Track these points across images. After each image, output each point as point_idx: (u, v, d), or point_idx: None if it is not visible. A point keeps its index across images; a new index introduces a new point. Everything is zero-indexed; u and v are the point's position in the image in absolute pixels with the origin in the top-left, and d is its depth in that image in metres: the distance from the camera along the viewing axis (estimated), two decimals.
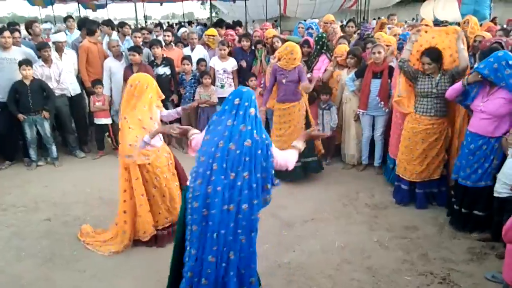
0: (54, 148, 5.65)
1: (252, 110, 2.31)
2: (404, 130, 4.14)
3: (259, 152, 2.29)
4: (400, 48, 5.05)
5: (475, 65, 3.68)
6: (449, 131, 4.01)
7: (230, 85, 5.96)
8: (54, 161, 5.69)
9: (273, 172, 2.38)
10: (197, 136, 2.67)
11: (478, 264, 3.26)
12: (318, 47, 5.52)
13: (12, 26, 6.65)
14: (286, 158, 2.49)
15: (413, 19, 20.11)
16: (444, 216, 3.97)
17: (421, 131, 3.96)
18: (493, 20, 9.08)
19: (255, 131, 2.29)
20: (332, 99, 5.25)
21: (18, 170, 5.57)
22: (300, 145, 2.63)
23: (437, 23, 9.49)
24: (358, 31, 6.97)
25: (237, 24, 8.50)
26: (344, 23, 16.22)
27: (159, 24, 10.00)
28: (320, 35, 5.62)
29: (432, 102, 3.90)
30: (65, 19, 7.80)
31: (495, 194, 3.18)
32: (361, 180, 4.91)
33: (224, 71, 5.92)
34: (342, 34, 6.24)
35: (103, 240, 3.69)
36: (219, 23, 9.24)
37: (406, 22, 16.49)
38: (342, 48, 5.27)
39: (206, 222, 2.29)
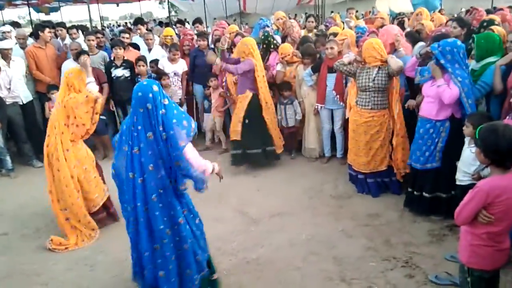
0: (8, 159, 5.40)
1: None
2: (349, 122, 4.34)
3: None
4: (357, 41, 5.15)
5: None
6: (390, 123, 4.14)
7: (180, 87, 5.92)
8: (10, 173, 5.44)
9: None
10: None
11: (438, 245, 3.39)
12: (265, 46, 5.57)
13: None
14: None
15: (370, 12, 20.60)
16: (403, 202, 4.11)
17: (362, 123, 4.15)
18: (440, 11, 9.42)
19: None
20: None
21: None
22: None
23: (393, 15, 9.78)
24: (320, 26, 7.04)
25: (197, 21, 8.39)
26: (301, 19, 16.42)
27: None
28: (265, 34, 5.63)
29: (370, 95, 4.08)
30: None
31: (457, 182, 3.26)
32: (325, 172, 4.99)
33: (174, 73, 5.86)
34: (301, 29, 6.30)
35: (74, 243, 3.71)
36: (181, 21, 9.11)
37: (362, 15, 16.89)
38: (287, 47, 5.37)
39: None
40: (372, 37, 4.74)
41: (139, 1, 19.64)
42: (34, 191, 4.87)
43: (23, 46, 5.97)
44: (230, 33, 6.05)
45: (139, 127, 2.37)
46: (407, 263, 3.19)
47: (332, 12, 18.60)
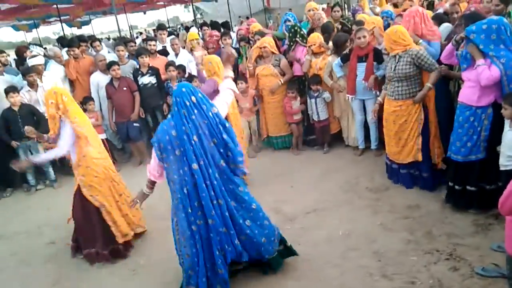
0: (51, 170, 5.65)
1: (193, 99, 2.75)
2: (383, 112, 4.21)
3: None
4: (386, 26, 4.99)
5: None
6: (421, 114, 3.90)
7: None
8: (53, 183, 5.69)
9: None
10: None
11: (484, 236, 3.23)
12: (291, 35, 5.49)
13: None
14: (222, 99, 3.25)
15: None
16: (445, 192, 3.94)
17: (391, 112, 4.02)
18: None
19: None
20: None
21: (17, 197, 5.58)
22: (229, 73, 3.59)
23: None
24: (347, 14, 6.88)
25: (204, 24, 8.44)
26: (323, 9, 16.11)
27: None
28: (292, 25, 5.56)
29: (393, 85, 3.94)
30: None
31: (502, 168, 3.07)
32: (360, 165, 4.88)
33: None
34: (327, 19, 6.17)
35: None
36: (206, 24, 9.18)
37: None
38: (315, 36, 5.23)
39: None
40: (398, 22, 4.61)
41: (165, 6, 19.96)
42: None
43: (58, 62, 6.19)
44: (252, 33, 6.05)
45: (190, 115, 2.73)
46: (451, 255, 3.06)
47: (358, 1, 18.18)
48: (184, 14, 43.53)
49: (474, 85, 3.27)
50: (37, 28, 17.61)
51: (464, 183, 3.52)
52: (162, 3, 17.55)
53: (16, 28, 16.92)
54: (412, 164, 4.06)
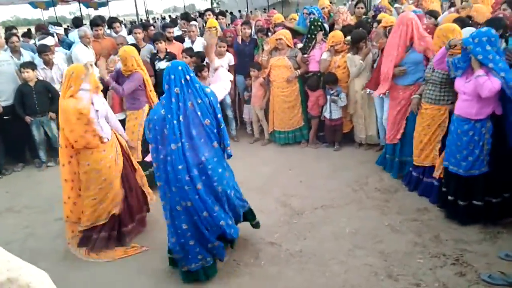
0: None
1: (187, 77, 2.77)
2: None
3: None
4: None
5: None
6: (445, 122, 3.75)
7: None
8: None
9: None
10: None
11: (491, 243, 3.22)
12: (312, 28, 5.43)
13: (9, 30, 6.70)
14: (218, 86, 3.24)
15: None
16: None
17: (420, 113, 3.95)
18: None
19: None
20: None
21: (29, 172, 5.65)
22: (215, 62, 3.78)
23: None
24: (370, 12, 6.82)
25: (209, 10, 8.33)
26: (347, 4, 15.95)
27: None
28: (313, 19, 5.51)
29: (428, 87, 3.84)
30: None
31: None
32: (370, 165, 4.86)
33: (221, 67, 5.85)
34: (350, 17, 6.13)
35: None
36: (222, 13, 9.11)
37: None
38: (339, 34, 5.16)
39: None
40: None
41: None
42: None
43: (86, 44, 5.97)
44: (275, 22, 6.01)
45: (182, 94, 2.75)
46: (457, 260, 3.06)
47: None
48: (200, 2, 43.47)
49: (471, 98, 3.22)
50: (55, 6, 17.63)
51: (469, 197, 3.43)
52: None
53: (34, 5, 16.98)
54: (424, 168, 4.01)
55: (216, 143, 2.91)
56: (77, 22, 7.81)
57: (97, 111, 3.39)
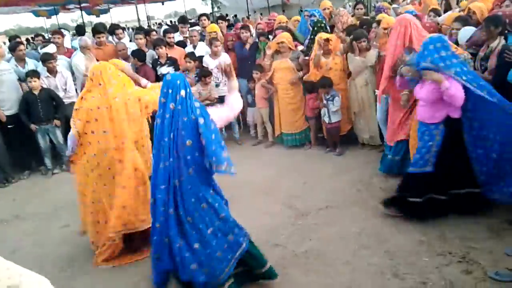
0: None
1: (182, 92, 2.61)
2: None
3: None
4: None
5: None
6: None
7: (225, 83, 5.90)
8: (69, 168, 5.78)
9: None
10: None
11: (498, 240, 3.20)
12: (316, 29, 5.45)
13: (14, 39, 6.78)
14: (218, 112, 2.83)
15: None
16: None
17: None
18: None
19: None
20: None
21: (35, 180, 5.70)
22: (232, 84, 3.02)
23: None
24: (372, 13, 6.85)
25: (203, 15, 8.37)
26: (348, 6, 15.99)
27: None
28: (316, 20, 5.54)
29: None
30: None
31: None
32: (374, 165, 4.83)
33: (217, 68, 5.89)
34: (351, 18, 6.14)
35: None
36: (222, 17, 9.13)
37: None
38: (324, 36, 5.16)
39: None
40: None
41: None
42: None
43: (85, 54, 5.99)
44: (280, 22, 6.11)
45: (176, 110, 2.60)
46: (463, 258, 3.05)
47: (378, 1, 17.98)
48: (201, 6, 43.62)
49: (425, 104, 3.37)
50: (57, 14, 17.79)
51: (416, 194, 3.52)
52: None
53: (36, 13, 17.15)
54: None
55: (192, 170, 2.63)
56: (80, 30, 7.90)
57: None
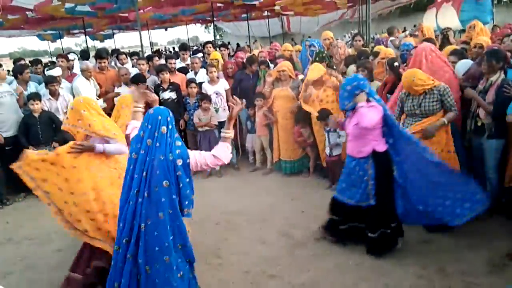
0: None
1: (163, 129, 2.49)
2: None
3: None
4: (404, 60, 5.04)
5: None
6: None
7: (224, 109, 5.98)
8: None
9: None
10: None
11: (499, 276, 3.15)
12: (317, 59, 5.50)
13: (17, 62, 6.88)
14: (204, 156, 2.64)
15: (414, 25, 20.20)
16: (460, 227, 3.87)
17: None
18: (493, 28, 9.02)
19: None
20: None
21: (30, 203, 5.62)
22: (228, 134, 2.78)
23: (439, 31, 9.49)
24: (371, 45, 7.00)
25: (208, 41, 8.57)
26: (348, 37, 16.33)
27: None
28: (318, 50, 5.64)
29: (416, 121, 3.83)
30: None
31: None
32: None
33: (216, 94, 5.96)
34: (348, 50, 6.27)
35: None
36: (224, 45, 9.33)
37: (404, 29, 16.54)
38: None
39: None
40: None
41: (186, 24, 20.44)
42: None
43: (87, 77, 6.08)
44: (285, 51, 6.35)
45: (153, 147, 2.49)
46: None
47: (376, 33, 18.38)
48: (204, 34, 44.51)
49: (353, 139, 3.49)
50: (61, 38, 18.11)
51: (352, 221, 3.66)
52: (184, 21, 17.98)
53: (41, 37, 17.45)
54: None
55: (163, 214, 2.47)
56: (84, 55, 8.04)
57: None
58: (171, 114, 2.59)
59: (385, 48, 5.66)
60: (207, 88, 5.99)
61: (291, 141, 5.54)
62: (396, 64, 4.74)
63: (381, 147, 3.42)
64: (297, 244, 3.92)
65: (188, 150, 2.61)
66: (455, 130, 3.91)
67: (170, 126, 2.51)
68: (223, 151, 2.68)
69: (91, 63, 7.00)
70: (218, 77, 6.04)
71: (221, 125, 5.94)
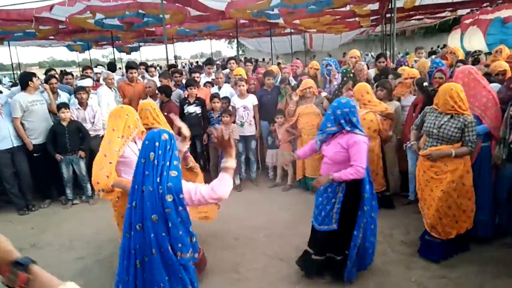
0: (89, 186, 5.84)
1: (151, 155, 2.20)
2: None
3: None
4: (430, 75, 5.03)
5: None
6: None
7: (250, 123, 6.03)
8: (89, 199, 5.87)
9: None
10: None
11: None
12: (345, 79, 5.57)
13: (49, 72, 7.14)
14: (201, 190, 2.26)
15: (438, 46, 20.07)
16: (485, 253, 3.78)
17: (423, 172, 3.82)
18: None
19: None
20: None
21: (55, 209, 5.77)
22: (229, 163, 2.36)
23: (465, 52, 9.41)
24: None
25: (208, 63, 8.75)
26: (370, 56, 16.28)
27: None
28: (345, 69, 5.69)
29: (430, 143, 3.70)
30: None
31: None
32: (395, 217, 4.73)
33: (244, 108, 6.02)
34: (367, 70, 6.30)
35: None
36: (249, 60, 9.53)
37: (432, 48, 16.40)
38: (308, 82, 5.50)
39: None
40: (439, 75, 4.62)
41: (211, 39, 20.80)
42: (110, 217, 5.16)
43: (110, 87, 6.44)
44: (311, 68, 6.41)
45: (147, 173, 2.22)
46: None
47: (400, 52, 18.27)
48: (226, 49, 45.23)
49: (330, 162, 3.34)
50: (90, 49, 18.66)
51: (322, 252, 3.50)
52: (208, 35, 18.31)
53: (71, 48, 18.00)
54: None
55: (155, 251, 2.19)
56: (111, 67, 8.31)
57: None
58: (164, 137, 2.24)
59: (409, 68, 5.65)
60: (236, 102, 6.08)
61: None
62: (425, 84, 4.70)
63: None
64: None
65: (184, 183, 2.23)
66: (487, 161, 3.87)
67: (160, 152, 2.19)
68: (223, 186, 2.28)
69: (117, 75, 7.24)
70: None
71: (243, 139, 6.00)
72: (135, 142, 3.28)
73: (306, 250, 3.64)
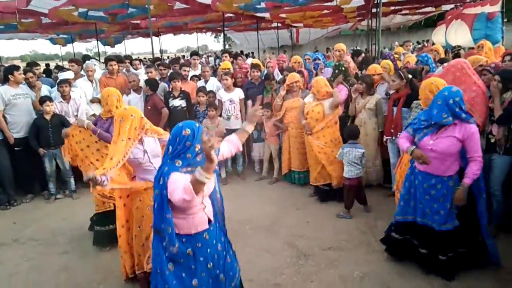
0: (72, 181, 5.76)
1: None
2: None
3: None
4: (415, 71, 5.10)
5: None
6: None
7: (237, 117, 6.02)
8: (72, 194, 5.79)
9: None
10: None
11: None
12: (337, 72, 5.59)
13: (30, 66, 6.97)
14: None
15: (423, 40, 20.30)
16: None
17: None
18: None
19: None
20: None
21: (37, 204, 5.68)
22: (248, 127, 2.82)
23: (448, 48, 9.53)
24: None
25: (194, 53, 8.74)
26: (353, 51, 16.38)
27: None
28: (337, 63, 5.74)
29: None
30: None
31: None
32: (379, 208, 4.81)
33: (230, 101, 6.00)
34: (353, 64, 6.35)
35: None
36: (238, 54, 9.48)
37: (418, 42, 16.59)
38: (294, 76, 5.49)
39: None
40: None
41: (197, 32, 20.63)
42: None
43: (90, 79, 6.39)
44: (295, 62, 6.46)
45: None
46: None
47: (385, 47, 18.43)
48: (213, 43, 44.98)
49: (440, 156, 3.14)
50: (73, 43, 18.36)
51: (435, 250, 3.37)
52: (194, 28, 18.15)
53: (53, 41, 17.69)
54: None
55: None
56: (84, 59, 8.17)
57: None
58: (186, 133, 2.26)
59: (375, 65, 5.72)
60: (222, 95, 6.05)
61: (302, 151, 5.56)
62: (409, 76, 4.73)
63: (462, 163, 3.20)
64: (302, 254, 3.91)
65: (177, 177, 2.20)
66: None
67: (178, 147, 2.29)
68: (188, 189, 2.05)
69: (101, 69, 7.13)
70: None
71: (228, 132, 5.97)
72: (142, 143, 3.20)
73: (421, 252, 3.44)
